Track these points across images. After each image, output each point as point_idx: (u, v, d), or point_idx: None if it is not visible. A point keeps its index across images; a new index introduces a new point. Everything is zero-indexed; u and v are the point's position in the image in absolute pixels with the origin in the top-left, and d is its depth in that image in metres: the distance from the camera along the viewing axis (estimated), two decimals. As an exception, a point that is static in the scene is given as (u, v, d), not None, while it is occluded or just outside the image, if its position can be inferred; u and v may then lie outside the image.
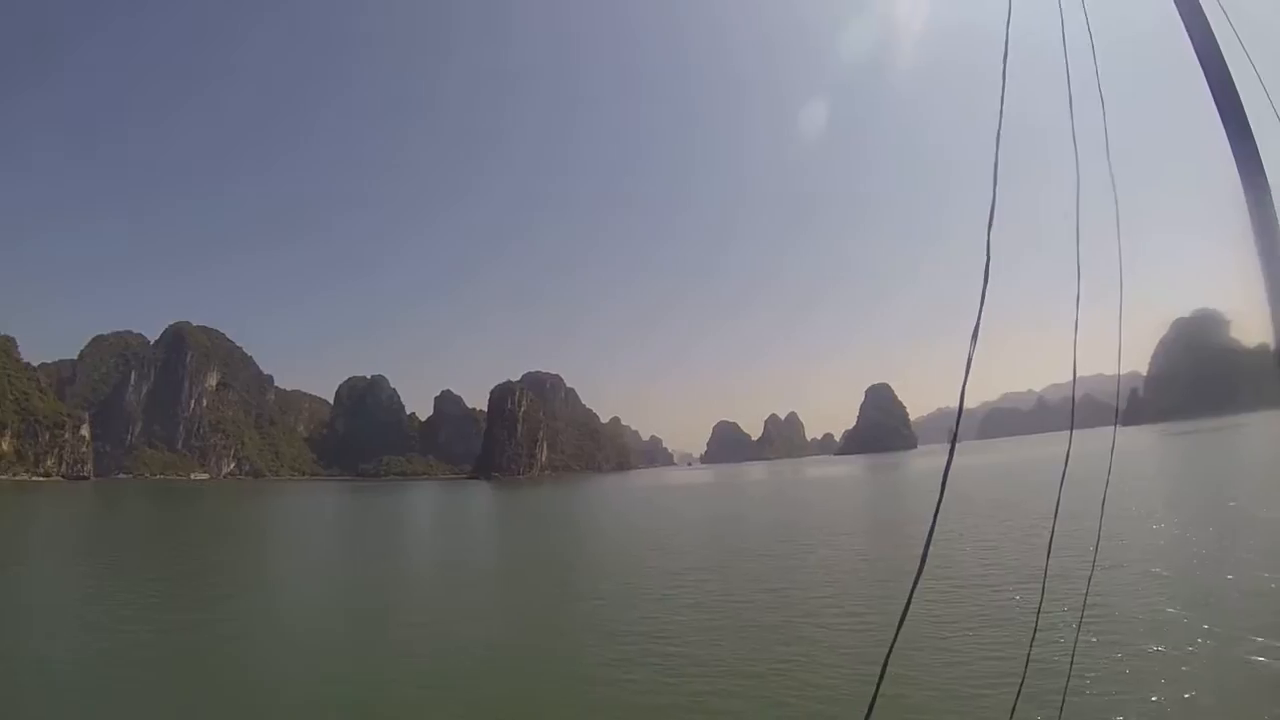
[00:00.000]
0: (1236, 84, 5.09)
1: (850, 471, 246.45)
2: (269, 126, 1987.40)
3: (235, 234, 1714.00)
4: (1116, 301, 6.36)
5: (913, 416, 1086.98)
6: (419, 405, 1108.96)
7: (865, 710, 4.08)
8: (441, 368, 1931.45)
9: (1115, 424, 8.39)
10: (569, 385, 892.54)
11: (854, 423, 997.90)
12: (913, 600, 3.85)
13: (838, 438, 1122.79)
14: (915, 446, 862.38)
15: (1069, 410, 6.85)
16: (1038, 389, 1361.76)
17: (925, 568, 3.67)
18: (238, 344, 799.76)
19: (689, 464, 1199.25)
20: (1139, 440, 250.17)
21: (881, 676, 4.26)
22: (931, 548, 3.65)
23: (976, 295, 4.05)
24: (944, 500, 3.82)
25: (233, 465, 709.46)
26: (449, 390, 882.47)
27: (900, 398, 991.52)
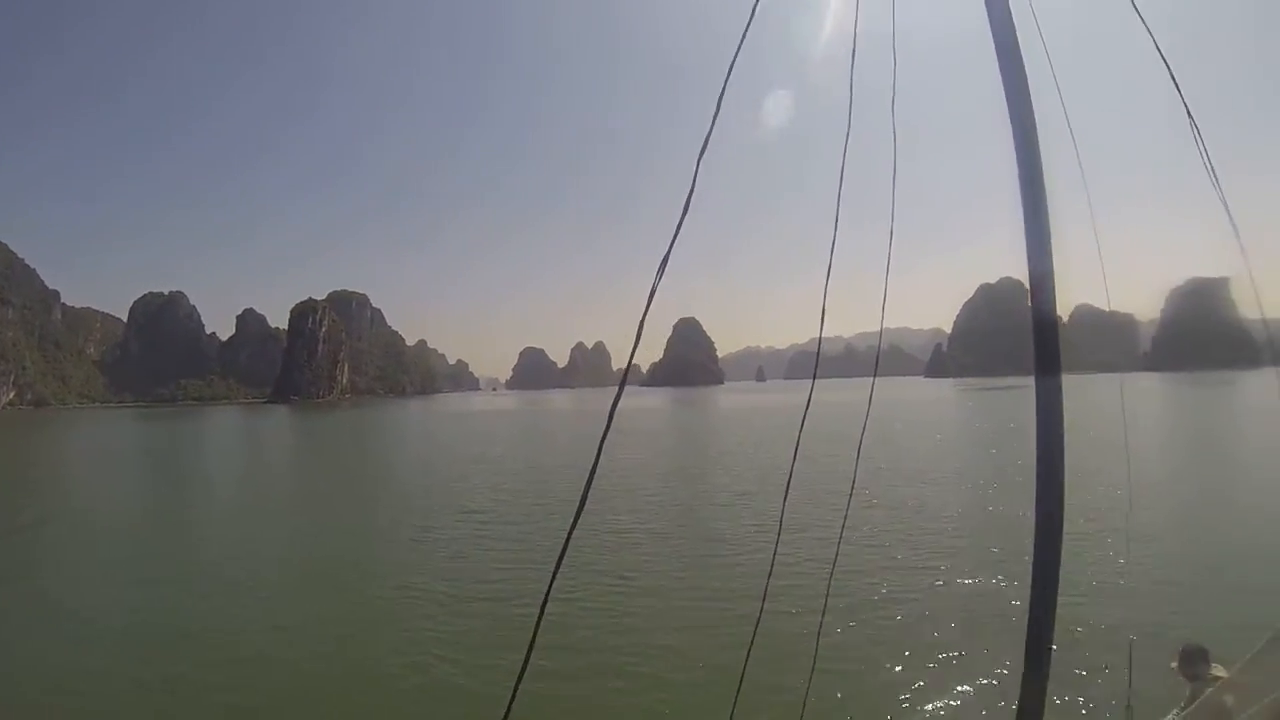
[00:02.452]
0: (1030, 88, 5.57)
1: (658, 404, 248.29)
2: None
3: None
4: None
5: (720, 353, 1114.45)
6: (221, 324, 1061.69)
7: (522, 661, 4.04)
8: (250, 284, 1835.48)
9: (874, 375, 8.47)
10: (375, 305, 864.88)
11: (661, 355, 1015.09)
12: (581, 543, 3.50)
13: (644, 369, 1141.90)
14: (721, 382, 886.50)
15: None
16: (847, 335, 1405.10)
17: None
18: (19, 255, 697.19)
19: (494, 389, 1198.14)
20: (940, 392, 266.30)
21: (533, 641, 3.83)
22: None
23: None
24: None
25: (12, 394, 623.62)
26: (252, 309, 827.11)
27: (709, 334, 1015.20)
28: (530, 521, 43.69)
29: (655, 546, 36.19)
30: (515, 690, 3.82)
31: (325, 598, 29.96)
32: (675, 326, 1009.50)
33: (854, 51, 5.87)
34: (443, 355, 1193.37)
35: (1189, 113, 6.96)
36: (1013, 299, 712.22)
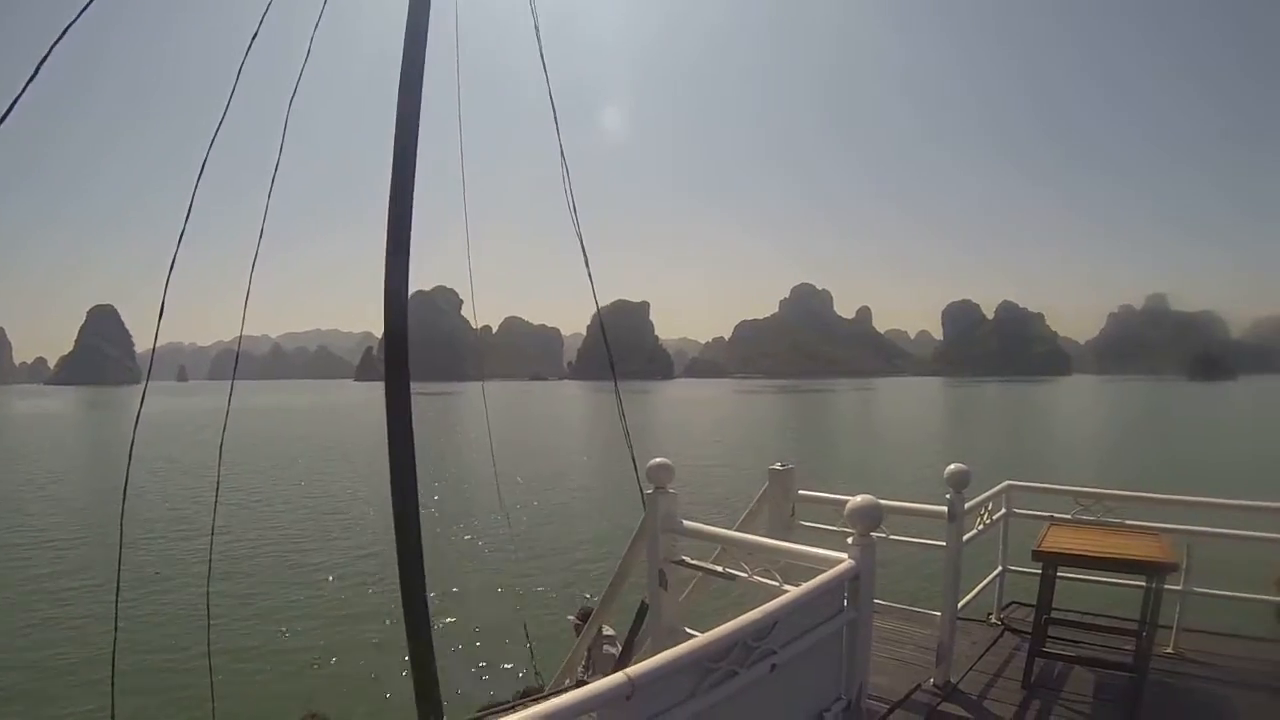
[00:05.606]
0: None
1: (64, 409, 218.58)
2: None
3: None
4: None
5: (139, 349, 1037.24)
6: None
7: None
8: None
9: (233, 379, 9.16)
10: None
11: (70, 348, 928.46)
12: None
13: (52, 364, 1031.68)
14: (139, 381, 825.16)
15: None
16: (274, 335, 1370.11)
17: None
18: None
19: None
20: (368, 395, 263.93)
21: None
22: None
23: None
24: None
25: None
26: None
27: (129, 326, 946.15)
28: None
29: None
30: None
31: None
32: (89, 315, 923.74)
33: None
34: None
35: (563, 155, 7.96)
36: (445, 308, 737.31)
